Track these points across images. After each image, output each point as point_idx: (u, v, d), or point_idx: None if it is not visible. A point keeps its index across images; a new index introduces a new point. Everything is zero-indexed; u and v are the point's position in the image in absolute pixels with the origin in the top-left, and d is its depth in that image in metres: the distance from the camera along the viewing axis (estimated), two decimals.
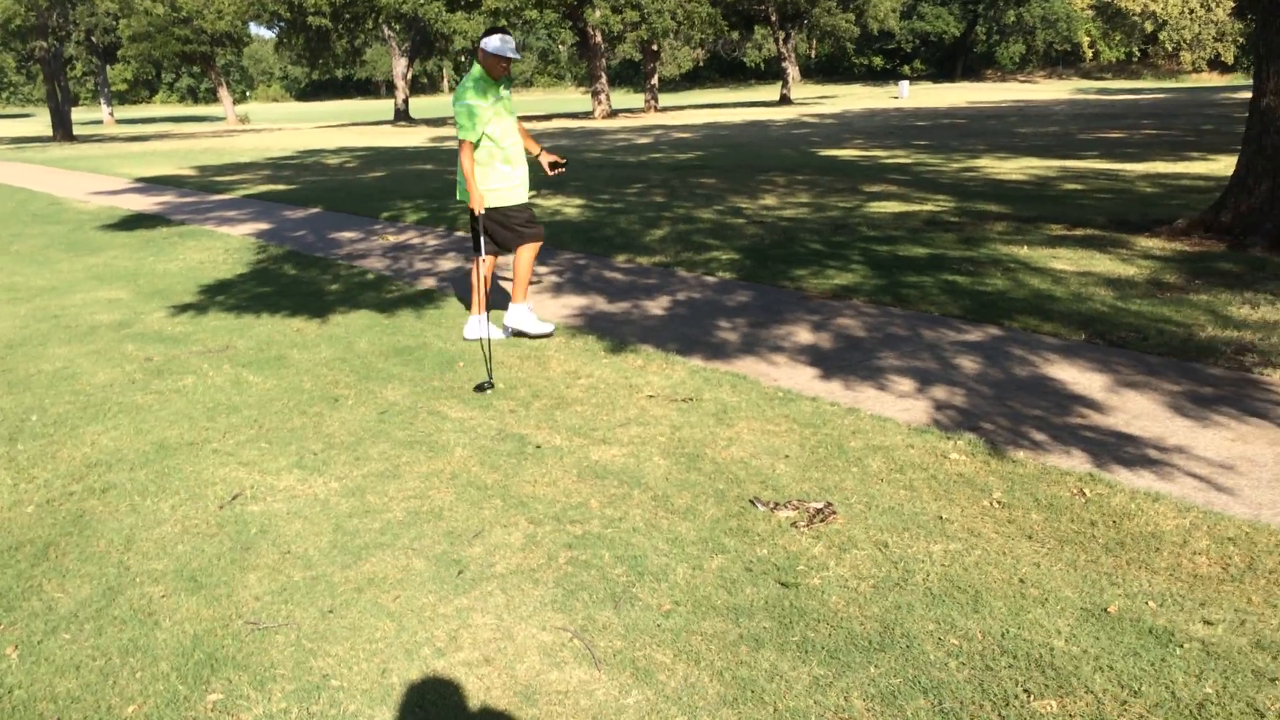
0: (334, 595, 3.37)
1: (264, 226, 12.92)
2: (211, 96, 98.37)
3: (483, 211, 6.15)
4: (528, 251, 6.42)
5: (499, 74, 6.04)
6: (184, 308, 8.04)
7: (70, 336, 7.18)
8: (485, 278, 6.46)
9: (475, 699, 2.78)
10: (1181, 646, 2.86)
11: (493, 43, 5.94)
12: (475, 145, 6.07)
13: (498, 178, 6.19)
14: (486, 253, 6.34)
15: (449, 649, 3.03)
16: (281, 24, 48.14)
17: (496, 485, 4.23)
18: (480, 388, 5.55)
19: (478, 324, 6.52)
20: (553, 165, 6.47)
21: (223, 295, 8.48)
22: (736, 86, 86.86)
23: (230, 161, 25.44)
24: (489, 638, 3.08)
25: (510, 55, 5.96)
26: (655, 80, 50.32)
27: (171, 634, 3.18)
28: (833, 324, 6.63)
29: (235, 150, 30.56)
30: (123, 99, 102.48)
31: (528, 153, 6.41)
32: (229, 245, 11.41)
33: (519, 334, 6.62)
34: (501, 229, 6.32)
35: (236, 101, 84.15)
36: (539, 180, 16.96)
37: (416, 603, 3.30)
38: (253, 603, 3.35)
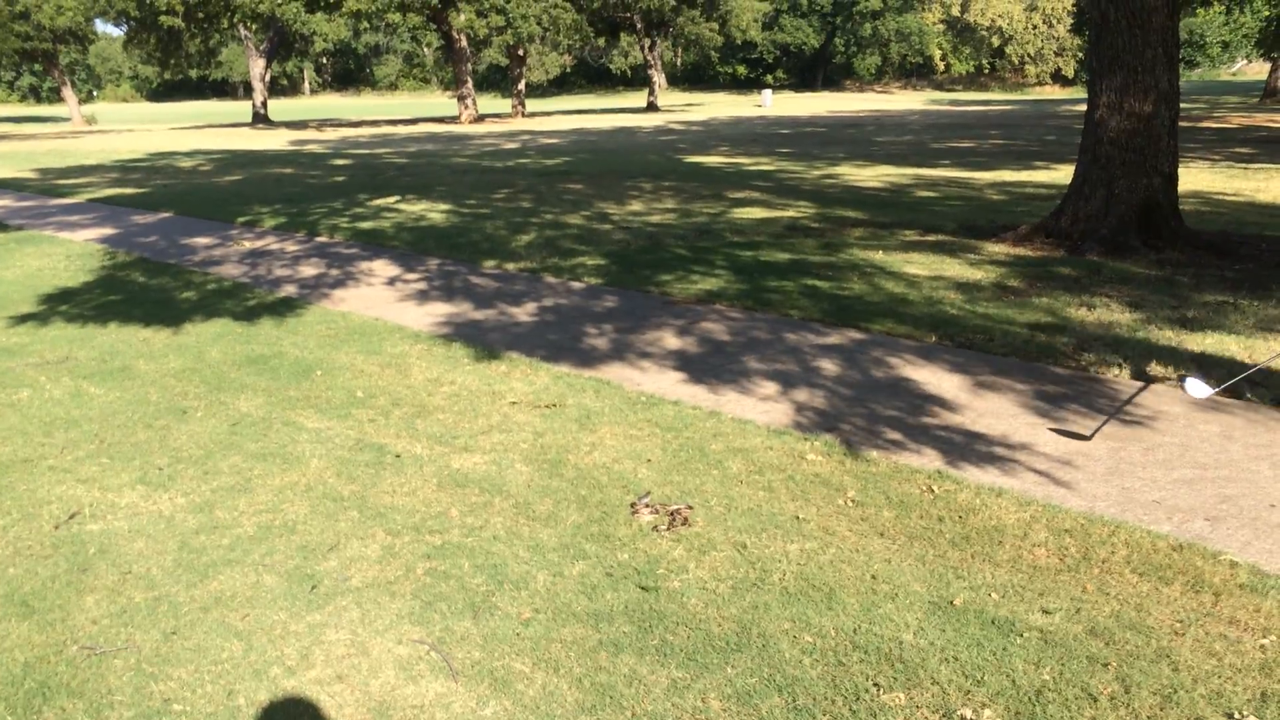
0: (178, 616, 3.23)
1: (111, 232, 12.34)
2: (55, 96, 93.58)
3: None
4: None
5: None
6: (21, 318, 7.61)
7: None
8: None
9: (327, 717, 2.71)
10: (1021, 636, 2.98)
11: None
12: None
13: None
14: None
15: (300, 667, 2.94)
16: (130, 22, 46.07)
17: (354, 496, 4.12)
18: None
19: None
20: None
21: (64, 304, 8.06)
22: (604, 93, 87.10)
23: (75, 164, 24.22)
24: (343, 654, 3.00)
25: None
26: (523, 85, 50.07)
27: (0, 662, 3.00)
28: (697, 328, 6.70)
29: (81, 152, 29.11)
30: None
31: None
32: (71, 251, 10.85)
33: None
34: None
35: (83, 101, 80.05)
36: (405, 185, 16.70)
37: (266, 621, 3.19)
38: (90, 626, 3.18)
